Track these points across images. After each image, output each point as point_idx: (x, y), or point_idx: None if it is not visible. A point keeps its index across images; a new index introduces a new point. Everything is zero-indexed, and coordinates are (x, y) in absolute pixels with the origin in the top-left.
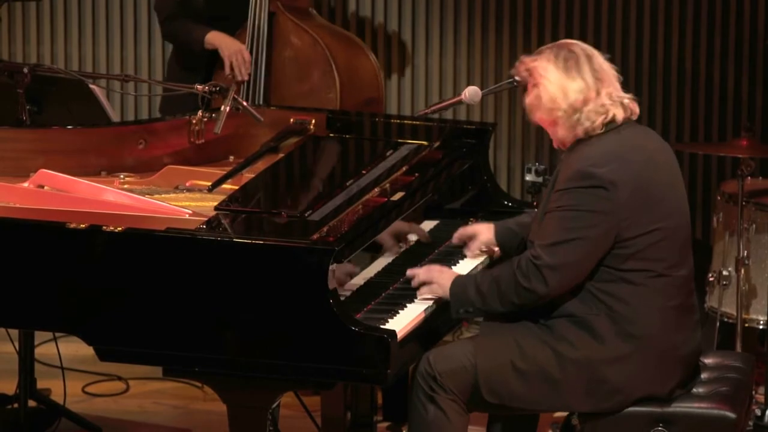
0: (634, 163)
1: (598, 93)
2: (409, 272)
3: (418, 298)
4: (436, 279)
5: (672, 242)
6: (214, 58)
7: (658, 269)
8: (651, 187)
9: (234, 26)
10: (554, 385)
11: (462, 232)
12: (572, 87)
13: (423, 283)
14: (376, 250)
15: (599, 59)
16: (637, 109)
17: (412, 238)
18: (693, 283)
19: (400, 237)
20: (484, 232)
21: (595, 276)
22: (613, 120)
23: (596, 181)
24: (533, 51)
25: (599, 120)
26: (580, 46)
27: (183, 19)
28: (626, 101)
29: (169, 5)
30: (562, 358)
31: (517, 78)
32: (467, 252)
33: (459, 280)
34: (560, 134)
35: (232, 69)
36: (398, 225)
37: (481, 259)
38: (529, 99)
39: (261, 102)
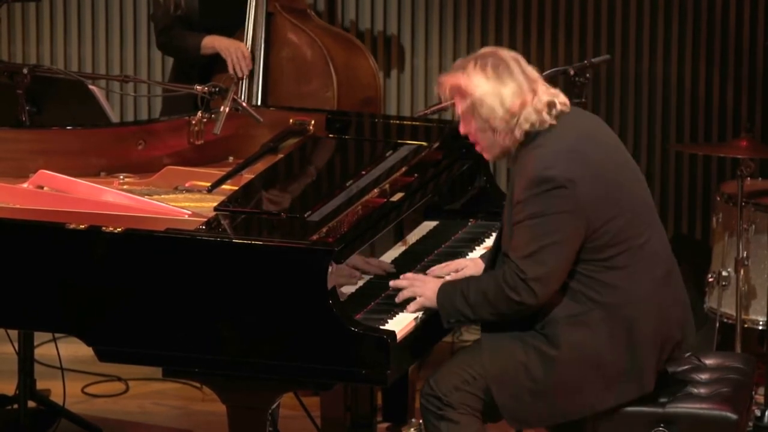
0: (585, 153)
1: (534, 92)
2: (392, 284)
3: (407, 311)
4: (420, 291)
5: (639, 216)
6: (208, 66)
7: (637, 243)
8: (607, 172)
9: (229, 35)
10: (575, 393)
11: (452, 266)
12: (507, 92)
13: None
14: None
15: (524, 62)
16: (568, 102)
17: (411, 239)
18: (669, 248)
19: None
20: (471, 267)
21: (579, 272)
22: (555, 108)
23: (554, 183)
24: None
25: (537, 118)
26: (505, 51)
27: (178, 28)
28: (561, 96)
29: (164, 17)
30: (573, 363)
31: (444, 100)
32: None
33: (444, 289)
34: (499, 141)
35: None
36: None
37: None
38: (462, 109)
39: (259, 103)
